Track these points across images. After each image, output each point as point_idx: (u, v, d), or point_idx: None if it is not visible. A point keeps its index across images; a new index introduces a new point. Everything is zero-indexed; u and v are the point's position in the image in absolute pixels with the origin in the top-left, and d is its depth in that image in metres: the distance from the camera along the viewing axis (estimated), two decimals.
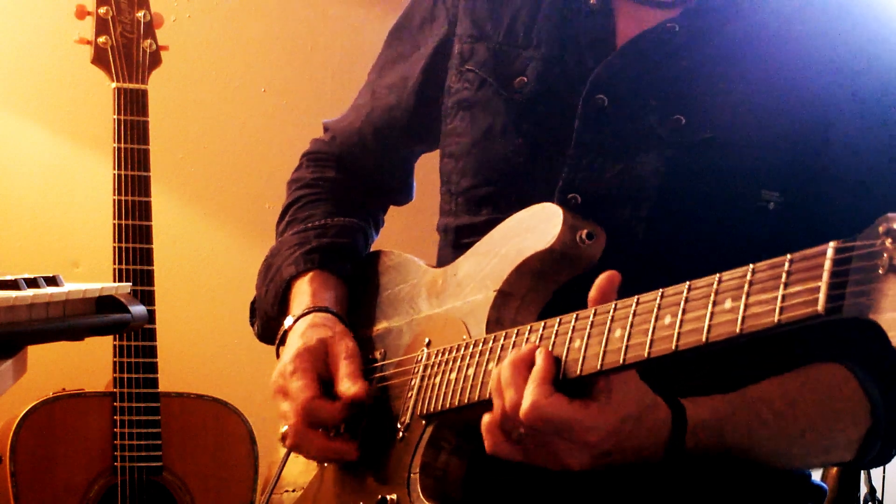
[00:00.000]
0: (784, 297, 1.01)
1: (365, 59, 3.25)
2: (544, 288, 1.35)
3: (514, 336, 1.29)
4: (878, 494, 2.69)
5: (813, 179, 1.38)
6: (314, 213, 1.70)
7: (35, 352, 1.57)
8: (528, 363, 1.24)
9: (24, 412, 2.55)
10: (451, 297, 1.45)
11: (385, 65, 1.72)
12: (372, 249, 1.70)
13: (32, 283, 1.45)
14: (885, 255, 0.94)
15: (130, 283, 2.53)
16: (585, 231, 1.31)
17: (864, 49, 1.39)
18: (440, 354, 1.40)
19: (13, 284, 1.43)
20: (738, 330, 1.04)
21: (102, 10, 2.65)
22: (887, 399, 1.36)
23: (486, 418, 1.27)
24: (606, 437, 1.22)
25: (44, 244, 3.00)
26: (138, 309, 1.55)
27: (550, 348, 1.23)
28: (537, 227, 1.34)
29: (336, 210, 1.70)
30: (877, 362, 1.36)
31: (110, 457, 2.60)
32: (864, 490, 2.66)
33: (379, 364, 1.53)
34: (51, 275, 1.49)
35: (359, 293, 1.62)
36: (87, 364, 2.83)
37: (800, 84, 1.38)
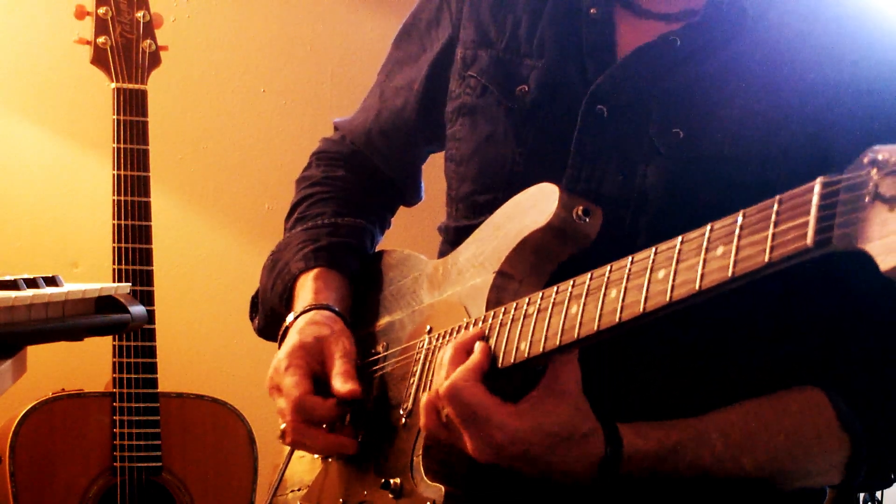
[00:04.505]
0: (774, 236, 1.01)
1: (364, 60, 3.26)
2: (543, 268, 1.35)
3: (513, 310, 1.29)
4: (878, 495, 2.69)
5: None
6: (324, 211, 1.70)
7: (35, 352, 1.57)
8: (469, 349, 1.29)
9: (24, 412, 2.55)
10: (452, 284, 1.45)
11: (393, 66, 1.73)
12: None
13: (32, 283, 1.45)
14: (871, 183, 0.94)
15: (130, 284, 2.53)
16: (581, 207, 1.31)
17: (867, 67, 1.38)
18: (441, 338, 1.41)
19: (13, 285, 1.43)
20: (729, 274, 1.05)
21: (102, 11, 2.65)
22: (867, 421, 1.35)
23: (424, 396, 1.31)
24: (513, 442, 1.24)
25: (43, 244, 3.00)
26: (138, 309, 1.55)
27: (548, 318, 1.23)
28: (534, 206, 1.34)
29: (345, 210, 1.71)
30: (857, 387, 1.36)
31: (110, 457, 2.60)
32: None
33: (382, 356, 1.53)
34: (50, 275, 1.49)
35: (362, 292, 1.63)
36: (87, 364, 2.83)
37: (801, 101, 1.38)
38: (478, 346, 1.29)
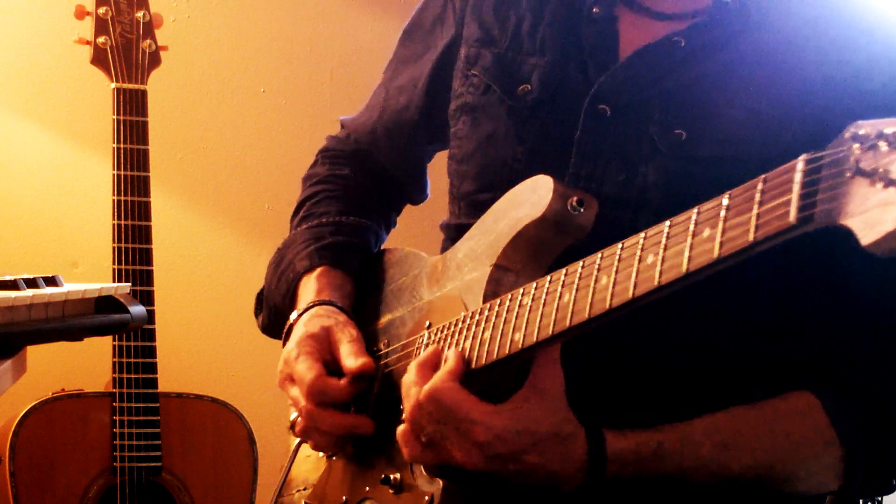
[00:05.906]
0: (759, 216, 1.01)
1: (364, 60, 3.25)
2: (539, 260, 1.36)
3: (508, 301, 1.30)
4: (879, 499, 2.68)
5: None
6: (330, 209, 1.71)
7: (34, 352, 1.57)
8: (432, 365, 1.31)
9: (24, 412, 2.55)
10: (451, 279, 1.46)
11: (398, 65, 1.73)
12: None
13: (32, 283, 1.45)
14: (852, 158, 0.94)
15: (130, 284, 2.53)
16: (576, 198, 1.31)
17: (871, 68, 1.38)
18: (439, 332, 1.41)
19: (12, 285, 1.43)
20: (715, 255, 1.05)
21: (102, 11, 2.65)
22: (864, 425, 1.34)
23: (400, 428, 1.32)
24: (494, 440, 1.25)
25: (43, 244, 3.00)
26: (137, 309, 1.56)
27: (541, 308, 1.23)
28: (530, 198, 1.34)
29: (349, 209, 1.71)
30: (855, 389, 1.35)
31: (110, 457, 2.60)
32: None
33: (383, 352, 1.54)
34: (50, 275, 1.49)
35: (364, 292, 1.64)
36: (87, 364, 2.83)
37: (803, 102, 1.38)
38: (451, 352, 1.31)
